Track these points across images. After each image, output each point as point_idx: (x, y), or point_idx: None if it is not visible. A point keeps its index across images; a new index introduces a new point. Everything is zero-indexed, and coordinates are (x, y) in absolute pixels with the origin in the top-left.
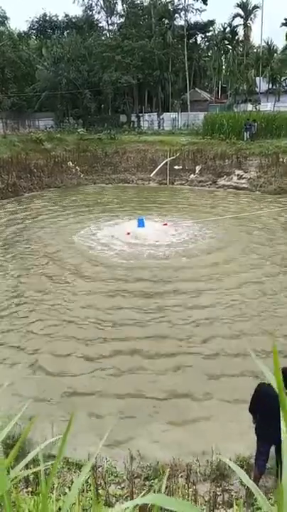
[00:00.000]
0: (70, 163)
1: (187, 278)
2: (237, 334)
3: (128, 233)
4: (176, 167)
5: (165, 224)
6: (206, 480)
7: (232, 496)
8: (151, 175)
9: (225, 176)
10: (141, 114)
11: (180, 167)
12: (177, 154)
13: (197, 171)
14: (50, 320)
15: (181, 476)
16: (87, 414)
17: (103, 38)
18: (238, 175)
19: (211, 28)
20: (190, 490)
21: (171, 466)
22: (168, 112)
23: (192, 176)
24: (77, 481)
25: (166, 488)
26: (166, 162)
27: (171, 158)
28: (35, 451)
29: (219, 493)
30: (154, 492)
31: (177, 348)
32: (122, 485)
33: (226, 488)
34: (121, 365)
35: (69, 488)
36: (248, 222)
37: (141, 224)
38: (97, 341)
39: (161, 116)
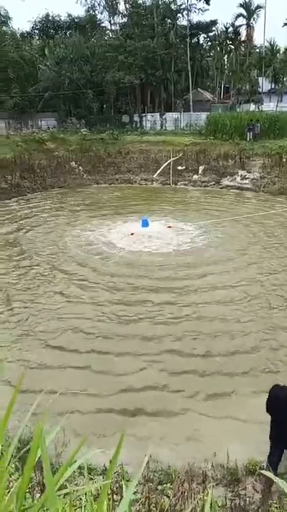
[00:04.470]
0: (73, 164)
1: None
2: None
3: (132, 233)
4: (179, 167)
5: (170, 226)
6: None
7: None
8: (155, 175)
9: (228, 177)
10: (143, 114)
11: (183, 167)
12: (181, 155)
13: (200, 172)
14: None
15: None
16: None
17: (106, 38)
18: (241, 175)
19: (213, 28)
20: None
21: (186, 470)
22: (171, 112)
23: (195, 176)
24: (126, 494)
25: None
26: (169, 162)
27: (174, 158)
28: (74, 465)
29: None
30: (167, 497)
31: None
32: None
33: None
34: None
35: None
36: (251, 222)
37: (145, 224)
38: None
39: (164, 117)
